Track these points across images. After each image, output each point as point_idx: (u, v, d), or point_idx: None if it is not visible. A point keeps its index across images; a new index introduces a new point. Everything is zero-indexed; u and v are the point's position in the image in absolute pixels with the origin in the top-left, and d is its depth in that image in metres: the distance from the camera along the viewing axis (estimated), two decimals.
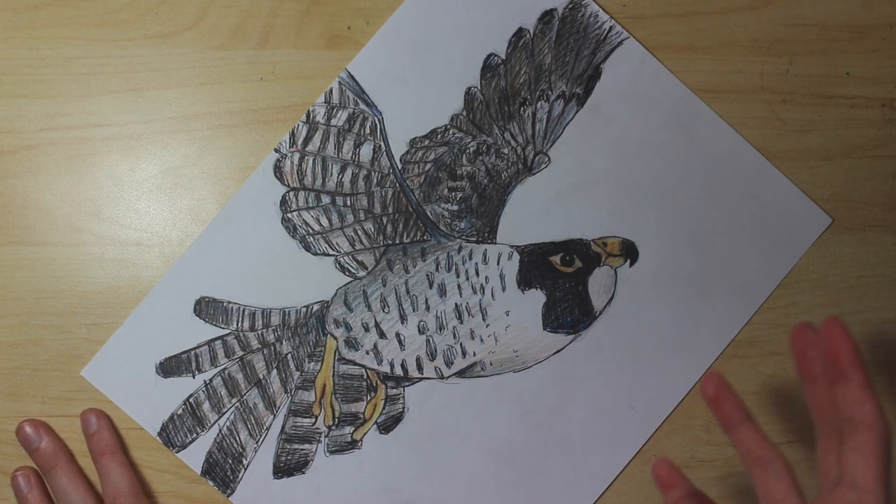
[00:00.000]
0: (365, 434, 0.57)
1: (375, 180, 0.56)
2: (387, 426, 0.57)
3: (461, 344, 0.57)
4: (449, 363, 0.57)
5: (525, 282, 0.57)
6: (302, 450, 0.56)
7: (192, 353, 0.55)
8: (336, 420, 0.57)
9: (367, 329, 0.57)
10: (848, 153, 0.60)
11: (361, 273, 0.57)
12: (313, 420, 0.57)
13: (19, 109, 0.55)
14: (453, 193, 0.57)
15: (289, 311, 0.56)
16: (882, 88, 0.60)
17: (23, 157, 0.55)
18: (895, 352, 0.61)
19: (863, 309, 0.60)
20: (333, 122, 0.56)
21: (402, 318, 0.57)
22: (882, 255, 0.60)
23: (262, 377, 0.56)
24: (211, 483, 0.56)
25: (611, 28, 0.57)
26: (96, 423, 0.54)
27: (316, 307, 0.56)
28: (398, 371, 0.57)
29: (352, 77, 0.56)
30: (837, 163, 0.60)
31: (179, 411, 0.55)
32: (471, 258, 0.57)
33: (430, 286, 0.57)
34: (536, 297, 0.57)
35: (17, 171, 0.55)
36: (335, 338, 0.57)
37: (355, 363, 0.57)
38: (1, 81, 0.54)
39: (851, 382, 0.46)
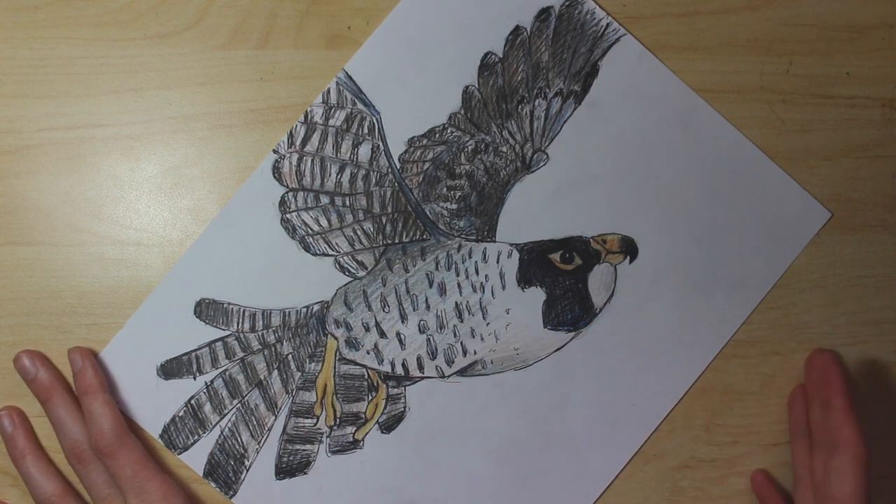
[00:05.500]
0: (366, 434, 0.57)
1: (374, 180, 0.56)
2: (388, 426, 0.57)
3: (462, 343, 0.57)
4: (450, 362, 0.57)
5: (525, 280, 0.57)
6: (304, 450, 0.57)
7: (193, 354, 0.55)
8: (337, 420, 0.57)
9: (367, 329, 0.57)
10: (848, 153, 0.60)
11: (361, 273, 0.57)
12: (315, 420, 0.57)
13: (19, 109, 0.54)
14: (452, 192, 0.57)
15: (289, 312, 0.56)
16: (882, 88, 0.60)
17: (23, 157, 0.55)
18: (895, 352, 0.61)
19: (863, 309, 0.60)
20: (331, 122, 0.56)
21: (403, 318, 0.57)
22: (882, 255, 0.60)
23: (263, 378, 0.56)
24: (213, 484, 0.56)
25: (608, 25, 0.57)
26: (80, 362, 0.53)
27: (316, 307, 0.56)
28: (399, 370, 0.57)
29: (349, 77, 0.56)
30: (837, 163, 0.60)
31: (181, 413, 0.56)
32: (470, 257, 0.57)
33: (430, 285, 0.57)
34: (536, 295, 0.57)
35: (17, 171, 0.55)
36: (336, 338, 0.57)
37: (356, 363, 0.57)
38: (1, 81, 0.54)
39: (836, 408, 0.54)
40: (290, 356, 0.56)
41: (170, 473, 0.56)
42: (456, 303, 0.57)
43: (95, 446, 0.52)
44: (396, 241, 0.57)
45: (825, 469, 0.54)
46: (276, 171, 0.56)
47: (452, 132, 0.57)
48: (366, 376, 0.57)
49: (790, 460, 0.59)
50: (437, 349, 0.57)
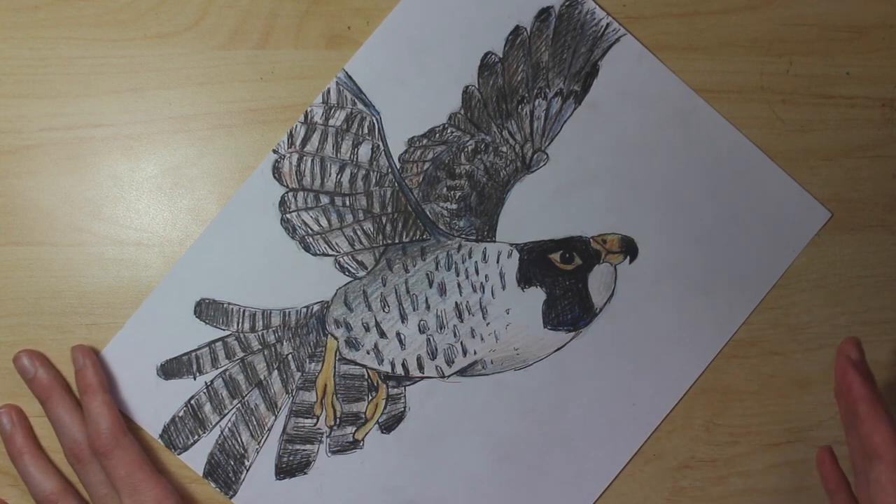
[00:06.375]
0: (366, 434, 0.57)
1: (374, 180, 0.56)
2: (388, 426, 0.57)
3: (462, 343, 0.57)
4: (450, 362, 0.57)
5: (525, 280, 0.57)
6: (304, 450, 0.56)
7: (193, 354, 0.55)
8: (337, 420, 0.57)
9: (367, 329, 0.57)
10: (848, 153, 0.60)
11: (361, 273, 0.57)
12: (315, 420, 0.57)
13: (19, 109, 0.54)
14: (452, 192, 0.57)
15: (289, 312, 0.56)
16: (882, 88, 0.60)
17: (23, 157, 0.55)
18: (895, 352, 0.61)
19: (863, 309, 0.60)
20: (331, 122, 0.56)
21: (403, 318, 0.57)
22: (882, 255, 0.60)
23: (263, 378, 0.56)
24: (213, 485, 0.56)
25: (608, 25, 0.57)
26: (81, 361, 0.53)
27: (316, 307, 0.56)
28: (399, 370, 0.57)
29: (349, 77, 0.56)
30: (837, 163, 0.60)
31: (181, 413, 0.55)
32: (470, 257, 0.57)
33: (430, 285, 0.57)
34: (536, 295, 0.57)
35: (17, 171, 0.55)
36: (336, 338, 0.57)
37: (356, 363, 0.57)
38: (1, 81, 0.54)
39: (861, 416, 0.48)
40: (290, 356, 0.56)
41: (169, 474, 0.56)
42: (456, 303, 0.57)
43: (92, 446, 0.52)
44: (396, 241, 0.57)
45: (867, 486, 0.48)
46: (276, 171, 0.56)
47: (452, 132, 0.57)
48: (366, 376, 0.57)
49: (790, 460, 0.59)
50: (437, 349, 0.57)
